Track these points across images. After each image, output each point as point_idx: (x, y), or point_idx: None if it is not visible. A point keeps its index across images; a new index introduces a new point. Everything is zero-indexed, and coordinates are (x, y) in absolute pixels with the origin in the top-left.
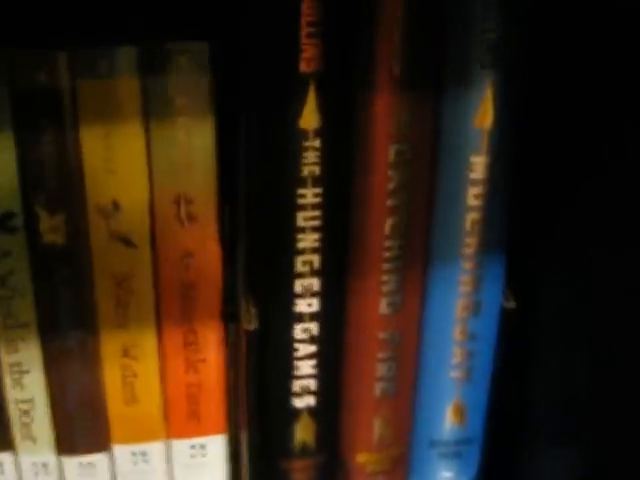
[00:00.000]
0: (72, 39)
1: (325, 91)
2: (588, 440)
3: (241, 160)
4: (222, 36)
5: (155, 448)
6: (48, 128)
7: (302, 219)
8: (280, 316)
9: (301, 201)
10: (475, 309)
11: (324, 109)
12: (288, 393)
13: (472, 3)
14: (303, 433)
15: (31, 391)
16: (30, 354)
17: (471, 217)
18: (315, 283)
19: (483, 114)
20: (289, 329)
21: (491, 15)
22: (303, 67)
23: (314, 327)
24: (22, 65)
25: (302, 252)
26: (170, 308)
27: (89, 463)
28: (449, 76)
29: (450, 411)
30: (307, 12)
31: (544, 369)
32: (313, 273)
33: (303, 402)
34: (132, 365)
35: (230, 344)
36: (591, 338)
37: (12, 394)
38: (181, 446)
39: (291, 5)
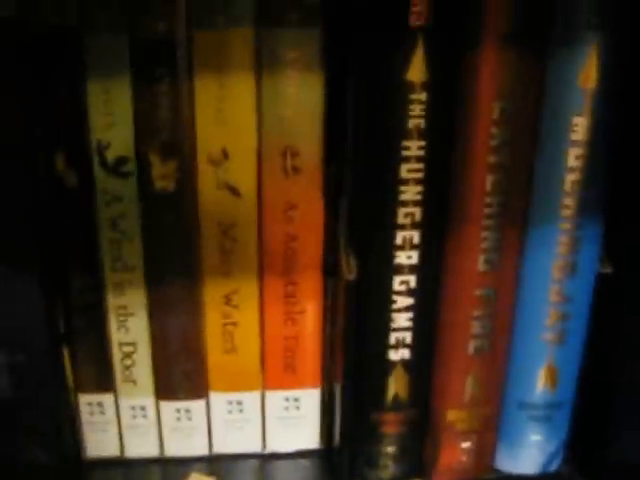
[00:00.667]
0: None
1: (433, 45)
2: None
3: (348, 113)
4: None
5: (251, 398)
6: (164, 77)
7: (406, 171)
8: (380, 267)
9: (405, 153)
10: (571, 271)
11: (431, 63)
12: (384, 345)
13: None
14: (396, 386)
15: (134, 334)
16: (136, 298)
17: (571, 178)
18: (415, 235)
19: (587, 74)
20: (388, 281)
21: None
22: (412, 21)
23: (412, 280)
24: (142, 14)
25: (404, 204)
26: (272, 258)
27: (186, 409)
28: (556, 35)
29: (542, 374)
30: None
31: (638, 337)
32: (414, 225)
33: (398, 355)
34: (233, 313)
35: (329, 297)
36: None
37: (116, 336)
38: (276, 398)
39: None
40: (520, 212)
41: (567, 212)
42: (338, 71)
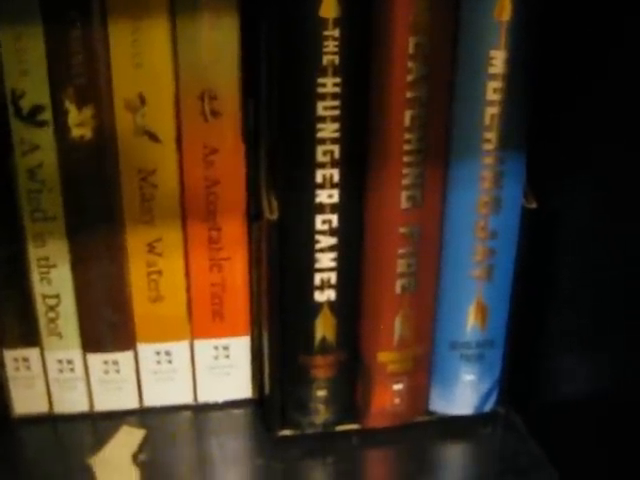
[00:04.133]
0: None
1: None
2: (613, 345)
3: (262, 53)
4: None
5: (179, 348)
6: (76, 22)
7: (322, 108)
8: (301, 207)
9: (321, 90)
10: (496, 206)
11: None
12: (309, 287)
13: None
14: (324, 328)
15: (57, 286)
16: (57, 248)
17: (490, 112)
18: (335, 174)
19: (502, 6)
20: (310, 220)
21: None
22: None
23: (334, 219)
24: None
25: (322, 142)
26: (195, 204)
27: (114, 361)
28: None
29: (471, 311)
30: None
31: (567, 272)
32: (334, 163)
33: (324, 296)
34: (157, 261)
35: (254, 242)
36: (614, 238)
37: (39, 289)
38: (205, 347)
39: None
40: (441, 147)
41: (488, 146)
42: (253, 12)
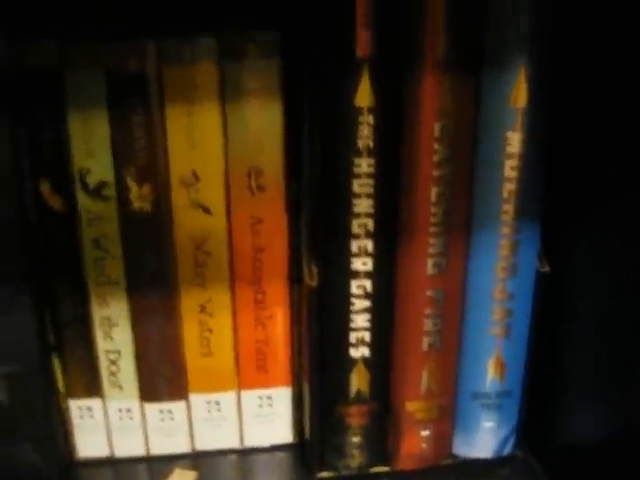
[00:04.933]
0: (159, 29)
1: (378, 73)
2: (625, 392)
3: (305, 136)
4: (290, 26)
5: (227, 398)
6: (137, 108)
7: (358, 186)
8: (338, 274)
9: (357, 170)
10: (513, 271)
11: (377, 89)
12: (345, 344)
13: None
14: (359, 381)
15: (119, 343)
16: (119, 309)
17: (508, 187)
18: (369, 244)
19: (517, 95)
20: (346, 285)
21: (523, 10)
22: (358, 52)
23: (368, 284)
24: (115, 54)
25: (358, 216)
26: (242, 269)
27: (168, 410)
28: (487, 61)
29: (491, 365)
30: (362, 6)
31: (579, 326)
32: (367, 235)
33: (358, 352)
34: (208, 320)
35: (295, 302)
36: (622, 294)
37: (102, 345)
38: (250, 397)
39: (348, 2)
40: (463, 219)
41: (506, 217)
42: (296, 97)
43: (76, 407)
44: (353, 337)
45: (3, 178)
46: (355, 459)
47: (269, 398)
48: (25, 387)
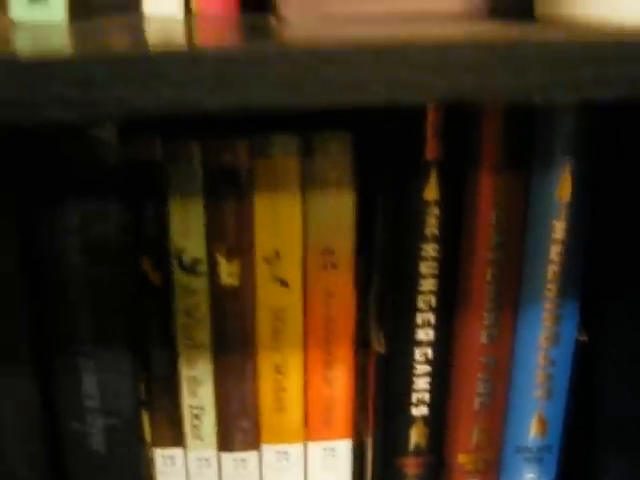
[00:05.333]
0: (249, 129)
1: (443, 172)
2: None
3: (378, 223)
4: (364, 128)
5: (295, 449)
6: (229, 196)
7: (424, 267)
8: (404, 342)
9: (423, 254)
10: (555, 340)
11: (442, 185)
12: (407, 403)
13: (552, 114)
14: (417, 436)
15: (202, 399)
16: (204, 369)
17: (552, 269)
18: (432, 317)
19: (562, 189)
20: (410, 353)
21: (568, 116)
22: (428, 156)
23: (429, 351)
24: (211, 149)
25: (423, 293)
26: (314, 335)
27: (242, 459)
28: (536, 159)
29: (533, 423)
30: (432, 119)
31: (611, 391)
32: (431, 309)
33: (418, 411)
34: (282, 380)
35: (360, 365)
36: None
37: (187, 401)
38: (316, 448)
39: (420, 115)
40: (513, 296)
41: (550, 295)
42: (367, 190)
43: (160, 456)
44: (414, 397)
45: (115, 254)
46: None
47: (332, 449)
48: (120, 438)
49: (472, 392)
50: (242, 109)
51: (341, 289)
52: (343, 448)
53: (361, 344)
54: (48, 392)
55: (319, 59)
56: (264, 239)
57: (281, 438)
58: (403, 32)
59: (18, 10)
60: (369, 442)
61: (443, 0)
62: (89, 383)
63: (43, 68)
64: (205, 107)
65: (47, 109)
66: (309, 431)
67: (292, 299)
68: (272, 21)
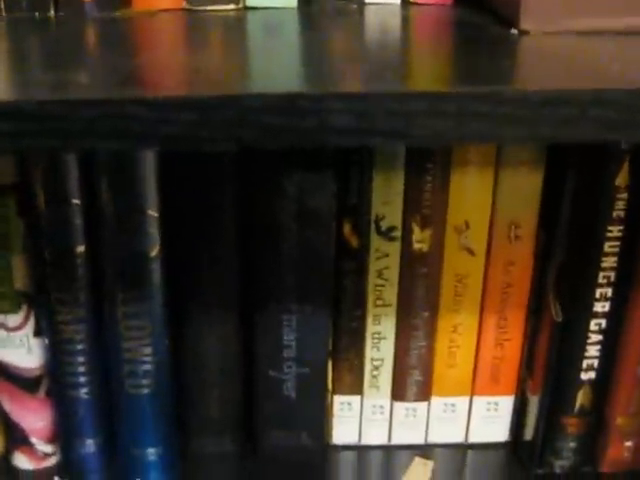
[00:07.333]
0: None
1: (635, 160)
2: None
3: (565, 200)
4: None
5: (462, 401)
6: (428, 171)
7: (607, 246)
8: (581, 313)
9: (608, 234)
10: None
11: (632, 173)
12: (577, 368)
13: None
14: (583, 399)
15: (383, 353)
16: (388, 326)
17: None
18: (609, 291)
19: None
20: (586, 323)
21: None
22: (623, 144)
23: (604, 322)
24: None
25: (604, 270)
26: (491, 300)
27: (412, 408)
28: None
29: None
30: None
31: None
32: (609, 284)
33: (587, 376)
34: (457, 338)
35: (530, 329)
36: None
37: (370, 354)
38: (480, 402)
39: None
40: None
41: None
42: (555, 171)
43: (338, 402)
44: (584, 363)
45: (324, 221)
46: (569, 460)
47: (496, 404)
48: (309, 385)
49: (637, 360)
50: None
51: (521, 259)
52: (506, 403)
53: (533, 310)
54: (249, 341)
55: None
56: (456, 210)
57: (449, 391)
58: None
59: None
60: (534, 400)
61: None
62: (288, 336)
63: None
64: None
65: None
66: (475, 386)
67: (475, 266)
68: (513, 33)
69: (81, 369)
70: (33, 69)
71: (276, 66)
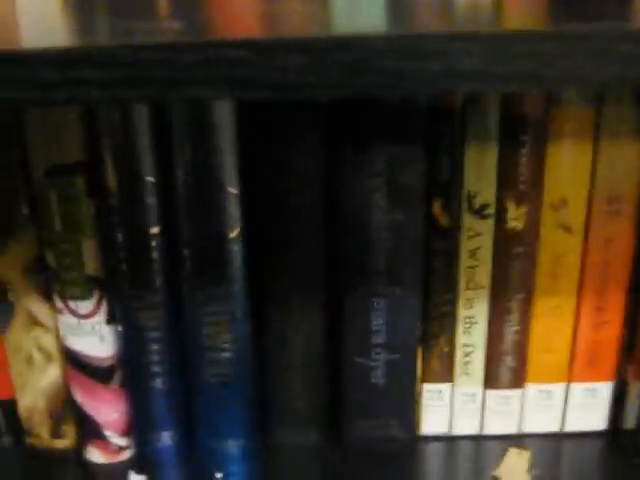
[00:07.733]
0: None
1: None
2: None
3: None
4: None
5: (558, 388)
6: (523, 144)
7: None
8: None
9: None
10: None
11: None
12: None
13: None
14: None
15: (475, 338)
16: (481, 310)
17: None
18: None
19: None
20: None
21: None
22: None
23: None
24: (508, 98)
25: None
26: (589, 281)
27: (505, 396)
28: None
29: None
30: None
31: None
32: None
33: None
34: (553, 322)
35: (631, 311)
36: None
37: (461, 339)
38: (577, 389)
39: None
40: None
41: None
42: None
43: (427, 390)
44: None
45: (414, 199)
46: None
47: (593, 390)
48: (398, 373)
49: None
50: None
51: (621, 236)
52: (604, 390)
53: (635, 289)
54: (335, 327)
55: None
56: (553, 186)
57: (545, 378)
58: None
59: None
60: (635, 386)
61: None
62: (377, 321)
63: None
64: None
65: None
66: (572, 372)
67: (573, 244)
68: None
69: (157, 358)
70: (119, 17)
71: (374, 10)
